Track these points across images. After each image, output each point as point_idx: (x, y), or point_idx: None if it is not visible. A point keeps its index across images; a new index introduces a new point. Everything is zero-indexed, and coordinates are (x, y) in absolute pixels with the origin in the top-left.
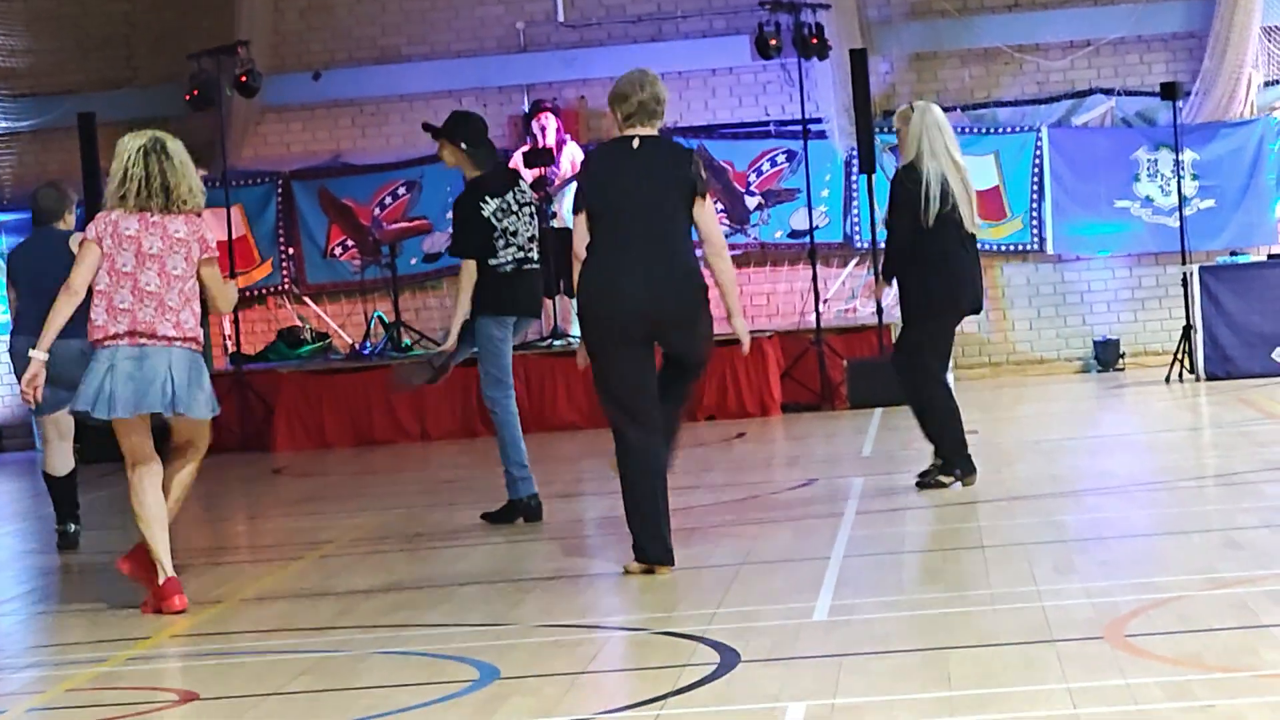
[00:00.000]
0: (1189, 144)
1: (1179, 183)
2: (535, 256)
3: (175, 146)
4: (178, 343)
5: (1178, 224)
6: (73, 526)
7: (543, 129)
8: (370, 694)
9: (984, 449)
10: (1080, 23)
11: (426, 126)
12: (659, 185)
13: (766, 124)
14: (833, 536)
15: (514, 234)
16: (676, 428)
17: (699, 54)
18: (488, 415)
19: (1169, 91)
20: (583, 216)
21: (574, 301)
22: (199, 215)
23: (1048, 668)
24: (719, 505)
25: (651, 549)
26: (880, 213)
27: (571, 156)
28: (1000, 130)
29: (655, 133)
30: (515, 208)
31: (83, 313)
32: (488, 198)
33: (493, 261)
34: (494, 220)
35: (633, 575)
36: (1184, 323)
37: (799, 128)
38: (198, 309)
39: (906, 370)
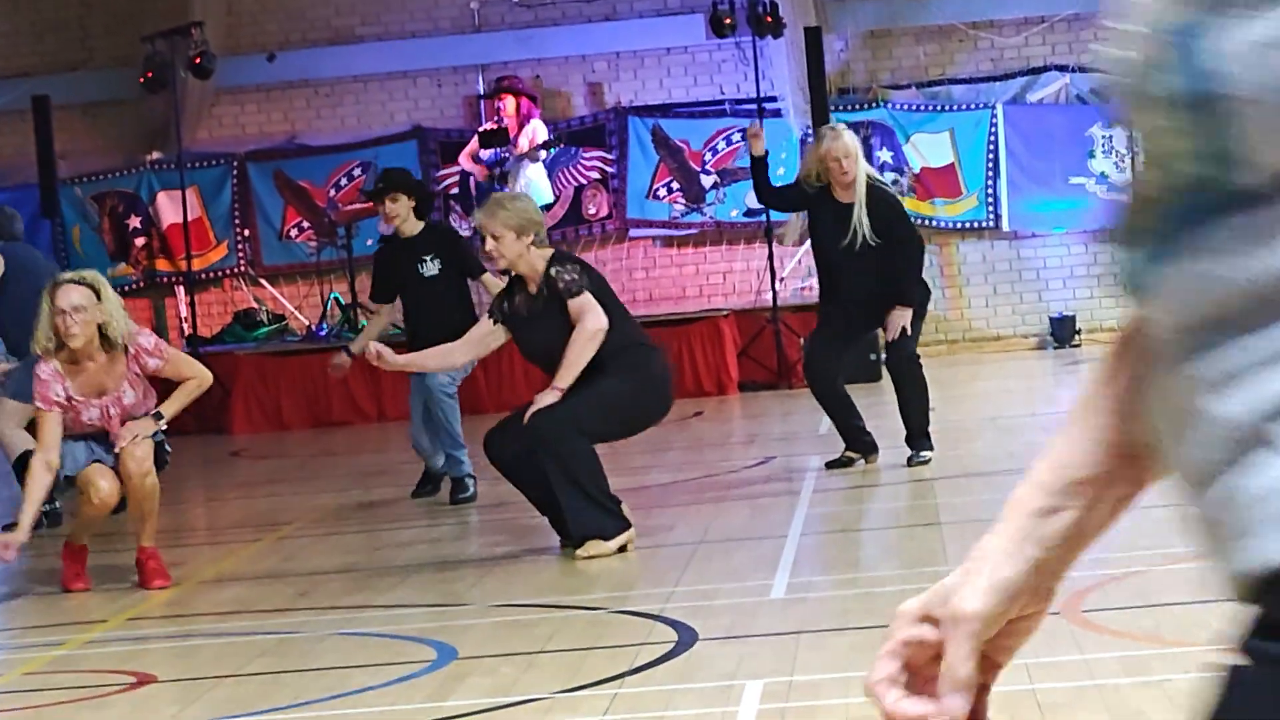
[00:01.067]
0: None
1: (1134, 159)
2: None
3: None
4: None
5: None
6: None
7: (500, 109)
8: (329, 675)
9: (941, 426)
10: None
11: (371, 193)
12: None
13: (722, 103)
14: (790, 515)
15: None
16: None
17: (653, 33)
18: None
19: None
20: None
21: None
22: None
23: None
24: (676, 484)
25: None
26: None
27: (532, 133)
28: (955, 107)
29: None
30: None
31: None
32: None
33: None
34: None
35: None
36: None
37: (754, 106)
38: None
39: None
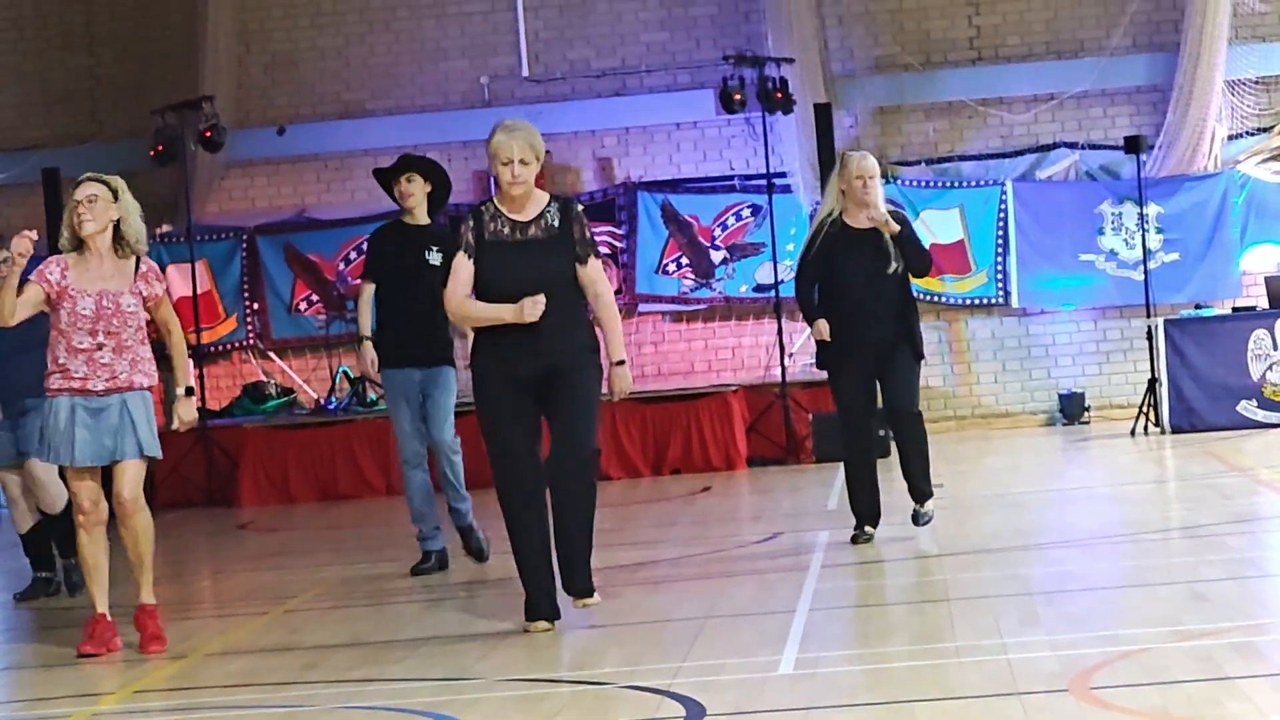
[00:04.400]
0: (1153, 197)
1: (1143, 236)
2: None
3: None
4: None
5: (1142, 277)
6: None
7: None
8: None
9: (949, 502)
10: (1044, 76)
11: (389, 170)
12: None
13: (731, 178)
14: (798, 590)
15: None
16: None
17: (663, 108)
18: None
19: (1133, 145)
20: None
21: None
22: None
23: None
24: (684, 559)
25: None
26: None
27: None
28: (964, 184)
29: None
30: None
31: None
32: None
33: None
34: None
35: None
36: (1149, 376)
37: (764, 182)
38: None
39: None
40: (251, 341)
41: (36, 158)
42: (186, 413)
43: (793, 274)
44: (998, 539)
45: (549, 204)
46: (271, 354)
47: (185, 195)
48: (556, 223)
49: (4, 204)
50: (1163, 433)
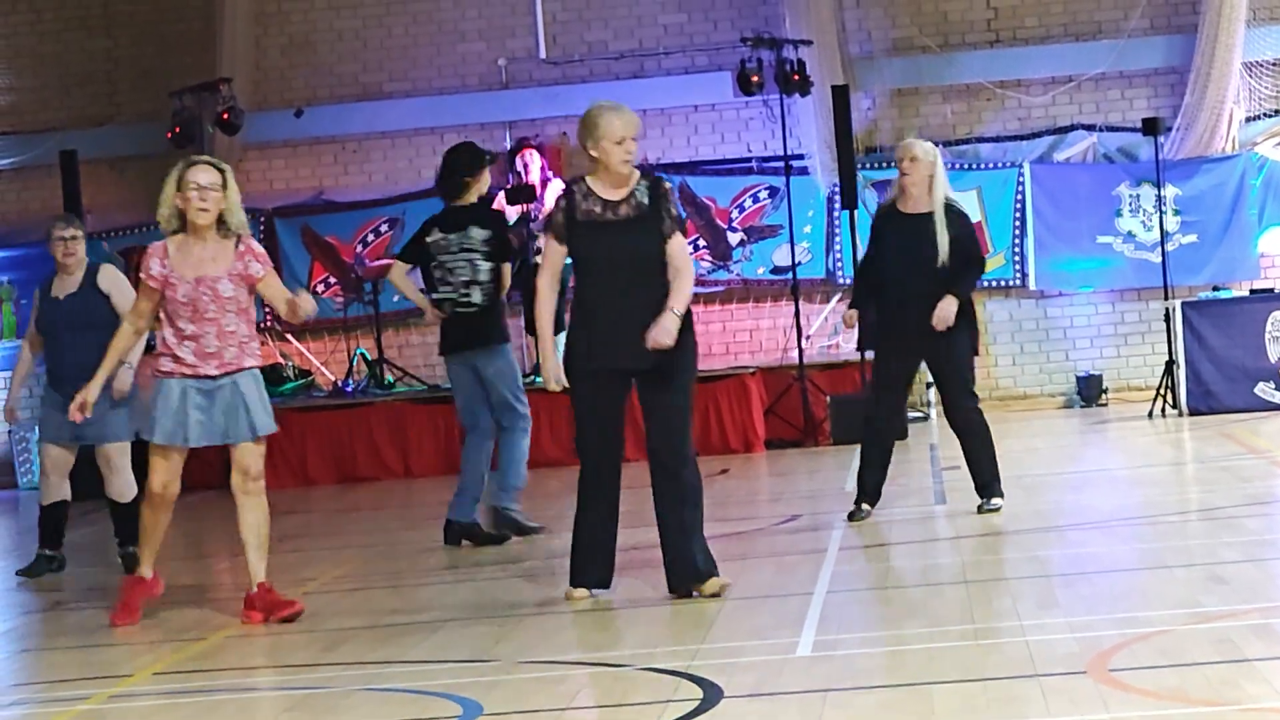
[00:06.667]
0: (1171, 179)
1: (1161, 218)
2: (475, 299)
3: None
4: None
5: (1160, 259)
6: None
7: (525, 166)
8: None
9: (967, 484)
10: (1062, 58)
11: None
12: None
13: (749, 160)
14: (816, 572)
15: (450, 272)
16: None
17: (681, 91)
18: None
19: (1151, 127)
20: None
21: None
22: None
23: (1031, 702)
24: None
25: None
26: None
27: (556, 193)
28: (982, 166)
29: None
30: (456, 249)
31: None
32: (436, 228)
33: (434, 296)
34: (431, 250)
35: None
36: (1166, 358)
37: (781, 164)
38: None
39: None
40: (269, 323)
41: (54, 140)
42: (306, 302)
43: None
44: (1015, 521)
45: (638, 182)
46: (289, 336)
47: None
48: (646, 200)
49: (22, 186)
50: (1180, 415)
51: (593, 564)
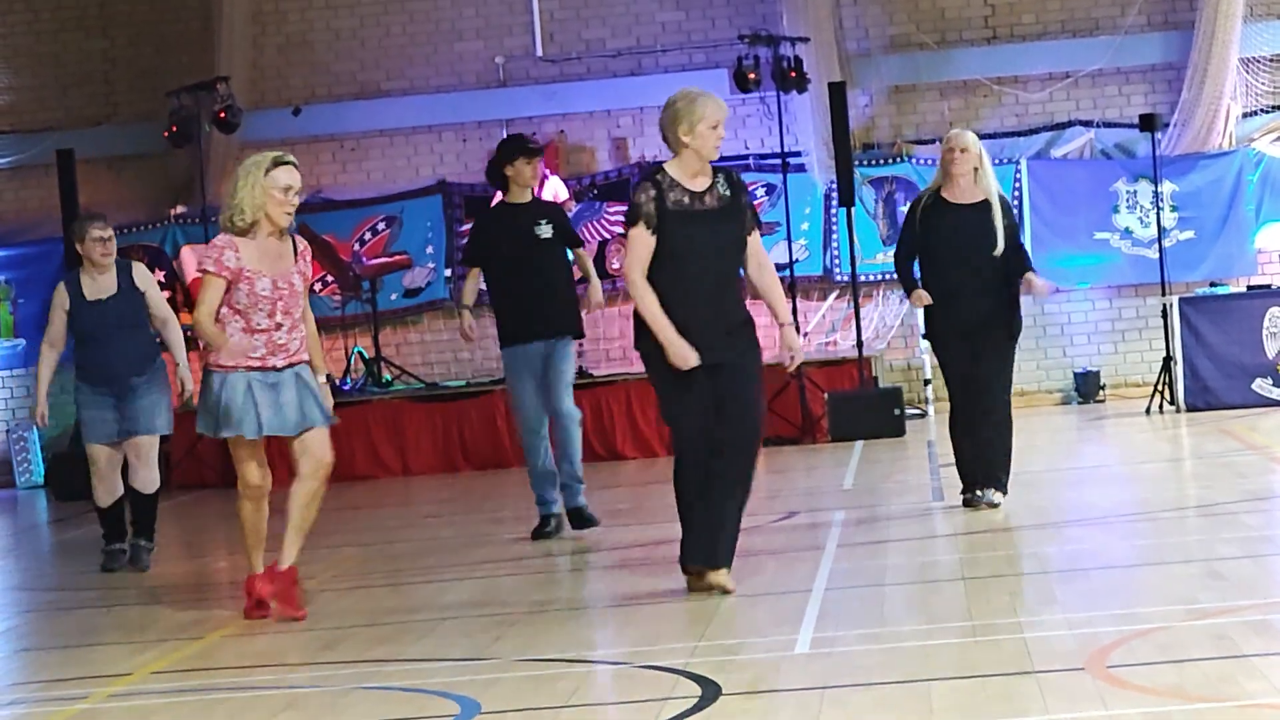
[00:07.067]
0: (1168, 175)
1: (1158, 214)
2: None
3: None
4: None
5: (1157, 255)
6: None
7: None
8: None
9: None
10: (1059, 55)
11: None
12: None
13: (746, 157)
14: (814, 569)
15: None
16: None
17: (678, 87)
18: (469, 452)
19: (1148, 123)
20: None
21: None
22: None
23: (1029, 699)
24: None
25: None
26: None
27: (554, 191)
28: None
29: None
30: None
31: None
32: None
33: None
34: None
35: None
36: (1164, 354)
37: (778, 161)
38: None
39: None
40: None
41: (52, 140)
42: (326, 395)
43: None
44: (1014, 517)
45: (716, 175)
46: None
47: (200, 177)
48: (728, 192)
49: (20, 185)
50: (1178, 411)
51: (727, 540)
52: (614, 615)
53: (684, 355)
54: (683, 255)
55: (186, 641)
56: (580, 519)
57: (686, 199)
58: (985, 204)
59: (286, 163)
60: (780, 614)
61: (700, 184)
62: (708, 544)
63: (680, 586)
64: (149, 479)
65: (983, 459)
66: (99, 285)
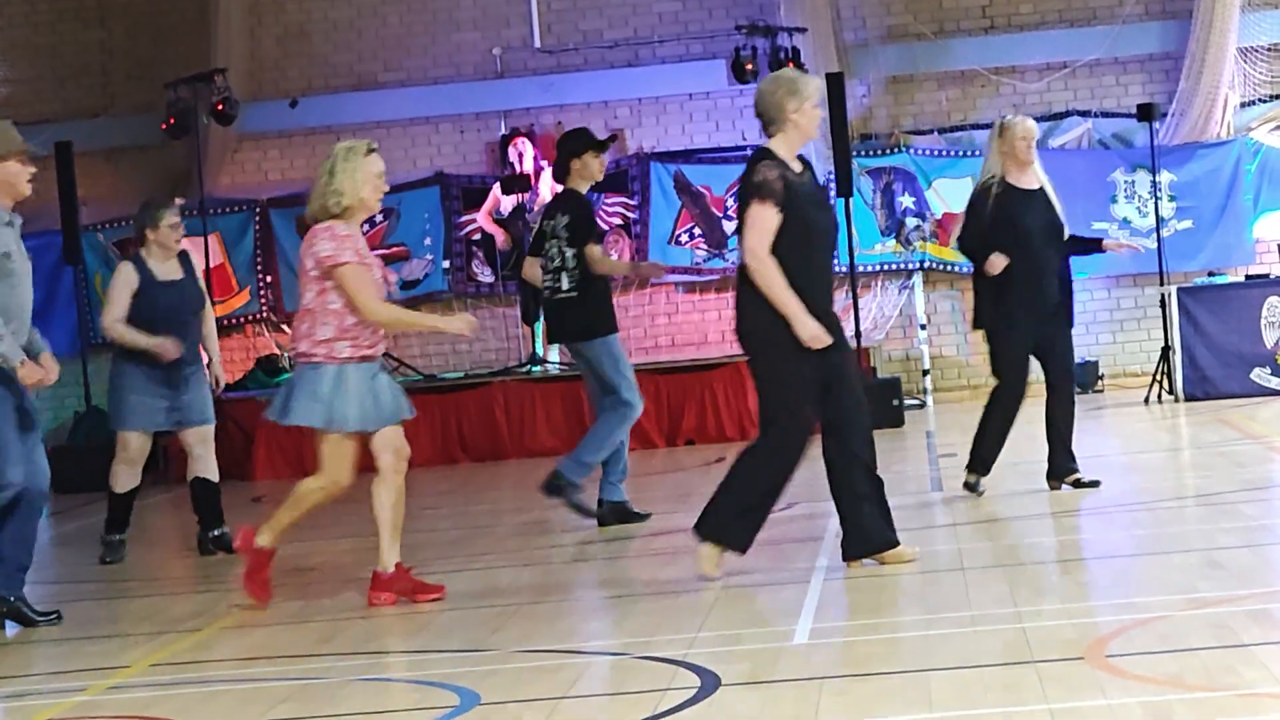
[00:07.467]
0: (1166, 165)
1: (1156, 204)
2: (563, 286)
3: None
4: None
5: (1155, 245)
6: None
7: (520, 155)
8: None
9: (962, 471)
10: (1056, 45)
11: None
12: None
13: (744, 148)
14: (813, 560)
15: (549, 259)
16: None
17: (676, 79)
18: (468, 444)
19: (1146, 113)
20: None
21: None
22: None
23: (1029, 689)
24: None
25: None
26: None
27: (551, 183)
28: (977, 153)
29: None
30: (550, 235)
31: None
32: (543, 217)
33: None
34: (542, 240)
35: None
36: (1162, 344)
37: None
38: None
39: None
40: (264, 314)
41: (49, 132)
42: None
43: (957, 234)
44: (1012, 508)
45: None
46: (285, 326)
47: (198, 168)
48: (813, 174)
49: None
50: (1176, 401)
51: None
52: (613, 606)
53: (817, 335)
54: (807, 234)
55: (186, 634)
56: (550, 488)
57: (794, 178)
58: (1043, 190)
59: (375, 150)
60: (779, 605)
61: (798, 166)
62: (878, 528)
63: (679, 577)
64: (212, 466)
65: (1062, 440)
66: (167, 270)
